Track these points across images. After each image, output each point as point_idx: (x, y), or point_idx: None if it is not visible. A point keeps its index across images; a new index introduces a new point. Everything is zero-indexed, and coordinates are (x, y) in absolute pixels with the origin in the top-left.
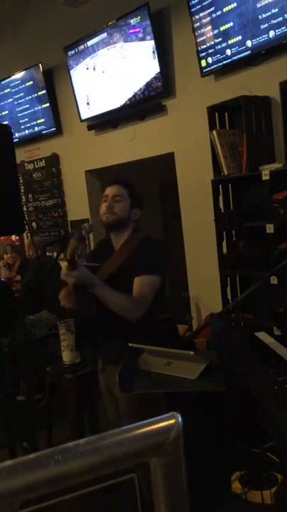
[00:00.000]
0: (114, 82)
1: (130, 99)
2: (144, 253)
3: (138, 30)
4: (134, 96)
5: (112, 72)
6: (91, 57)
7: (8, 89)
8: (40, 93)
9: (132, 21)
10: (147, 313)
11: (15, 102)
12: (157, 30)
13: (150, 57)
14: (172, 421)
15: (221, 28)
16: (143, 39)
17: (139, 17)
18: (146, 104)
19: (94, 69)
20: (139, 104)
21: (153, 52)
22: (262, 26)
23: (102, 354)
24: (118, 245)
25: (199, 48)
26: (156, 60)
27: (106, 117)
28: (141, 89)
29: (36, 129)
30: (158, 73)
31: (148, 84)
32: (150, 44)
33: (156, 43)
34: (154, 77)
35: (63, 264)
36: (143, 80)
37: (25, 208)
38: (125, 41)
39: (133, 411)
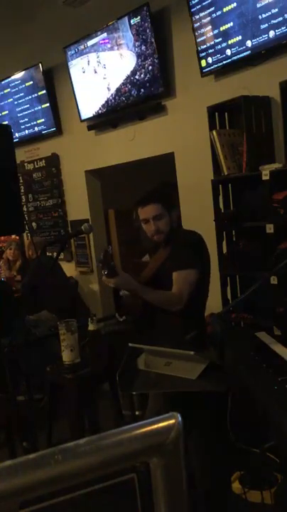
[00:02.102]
0: (114, 82)
1: (130, 99)
2: (180, 248)
3: (127, 35)
4: (134, 96)
5: (112, 71)
6: (91, 57)
7: (8, 89)
8: (40, 93)
9: (132, 21)
10: (191, 301)
11: (15, 102)
12: (157, 31)
13: (149, 57)
14: (172, 421)
15: (221, 28)
16: (141, 40)
17: (139, 17)
18: (146, 104)
19: (94, 69)
20: (139, 104)
21: (153, 52)
22: (262, 26)
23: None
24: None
25: (199, 48)
26: (156, 60)
27: (106, 117)
28: (141, 89)
29: (36, 129)
30: (158, 73)
31: (148, 84)
32: (150, 45)
33: (156, 43)
34: (154, 77)
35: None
36: (143, 79)
37: (25, 208)
38: (125, 41)
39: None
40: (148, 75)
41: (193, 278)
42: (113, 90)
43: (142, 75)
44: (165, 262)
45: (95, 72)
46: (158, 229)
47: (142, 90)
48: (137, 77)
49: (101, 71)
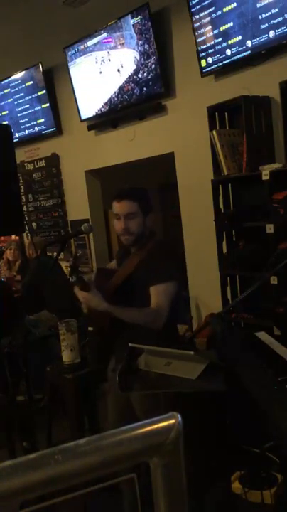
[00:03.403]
0: (114, 82)
1: (130, 99)
2: (157, 261)
3: (127, 34)
4: (134, 96)
5: (112, 71)
6: (91, 56)
7: (8, 89)
8: (40, 93)
9: (132, 21)
10: (169, 318)
11: (15, 102)
12: (157, 30)
13: (149, 57)
14: (172, 421)
15: (221, 28)
16: (142, 40)
17: (139, 17)
18: (146, 104)
19: (93, 69)
20: (139, 104)
21: (153, 52)
22: (262, 26)
23: (116, 353)
24: (134, 250)
25: (199, 48)
26: (156, 59)
27: (106, 117)
28: (141, 89)
29: (36, 129)
30: (158, 73)
31: (151, 83)
32: (150, 44)
33: (156, 43)
34: (154, 77)
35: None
36: (143, 79)
37: (25, 208)
38: (125, 41)
39: (147, 409)
40: (151, 74)
41: (173, 291)
42: (116, 88)
43: (145, 74)
44: (138, 269)
45: (97, 71)
46: (127, 228)
47: (144, 89)
48: (140, 75)
49: (103, 70)
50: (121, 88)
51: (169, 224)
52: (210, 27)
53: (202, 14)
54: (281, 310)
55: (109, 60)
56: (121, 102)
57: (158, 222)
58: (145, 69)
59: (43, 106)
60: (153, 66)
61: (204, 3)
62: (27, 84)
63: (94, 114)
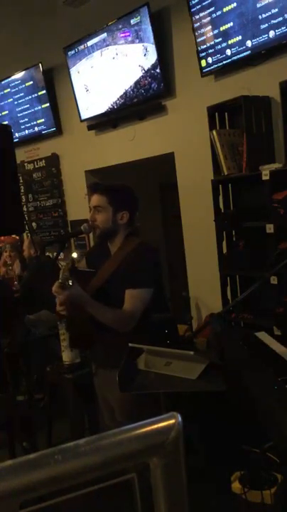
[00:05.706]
0: (114, 82)
1: (130, 99)
2: (135, 265)
3: (129, 33)
4: (134, 96)
5: (112, 72)
6: (91, 57)
7: (8, 89)
8: (40, 93)
9: (132, 21)
10: (141, 319)
11: (15, 102)
12: (157, 30)
13: (150, 56)
14: (172, 421)
15: (221, 28)
16: (141, 40)
17: (139, 17)
18: (146, 104)
19: (93, 69)
20: (139, 104)
21: (153, 52)
22: (262, 26)
23: (95, 357)
24: (114, 251)
25: (199, 48)
26: (157, 59)
27: (106, 117)
28: (141, 89)
29: (36, 129)
30: (158, 73)
31: (148, 84)
32: (149, 44)
33: (156, 43)
34: (154, 77)
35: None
36: (143, 79)
37: (25, 208)
38: (125, 41)
39: (128, 413)
40: (154, 72)
41: (148, 297)
42: (117, 89)
43: (148, 72)
44: (118, 271)
45: (98, 70)
46: (94, 220)
47: (148, 86)
48: (144, 73)
49: (104, 69)
50: (121, 88)
51: (169, 224)
52: (210, 27)
53: (202, 14)
54: (281, 310)
55: (109, 59)
56: (121, 102)
57: (158, 222)
58: (145, 69)
59: (43, 106)
60: (154, 65)
61: (204, 3)
62: (27, 84)
63: (94, 114)
